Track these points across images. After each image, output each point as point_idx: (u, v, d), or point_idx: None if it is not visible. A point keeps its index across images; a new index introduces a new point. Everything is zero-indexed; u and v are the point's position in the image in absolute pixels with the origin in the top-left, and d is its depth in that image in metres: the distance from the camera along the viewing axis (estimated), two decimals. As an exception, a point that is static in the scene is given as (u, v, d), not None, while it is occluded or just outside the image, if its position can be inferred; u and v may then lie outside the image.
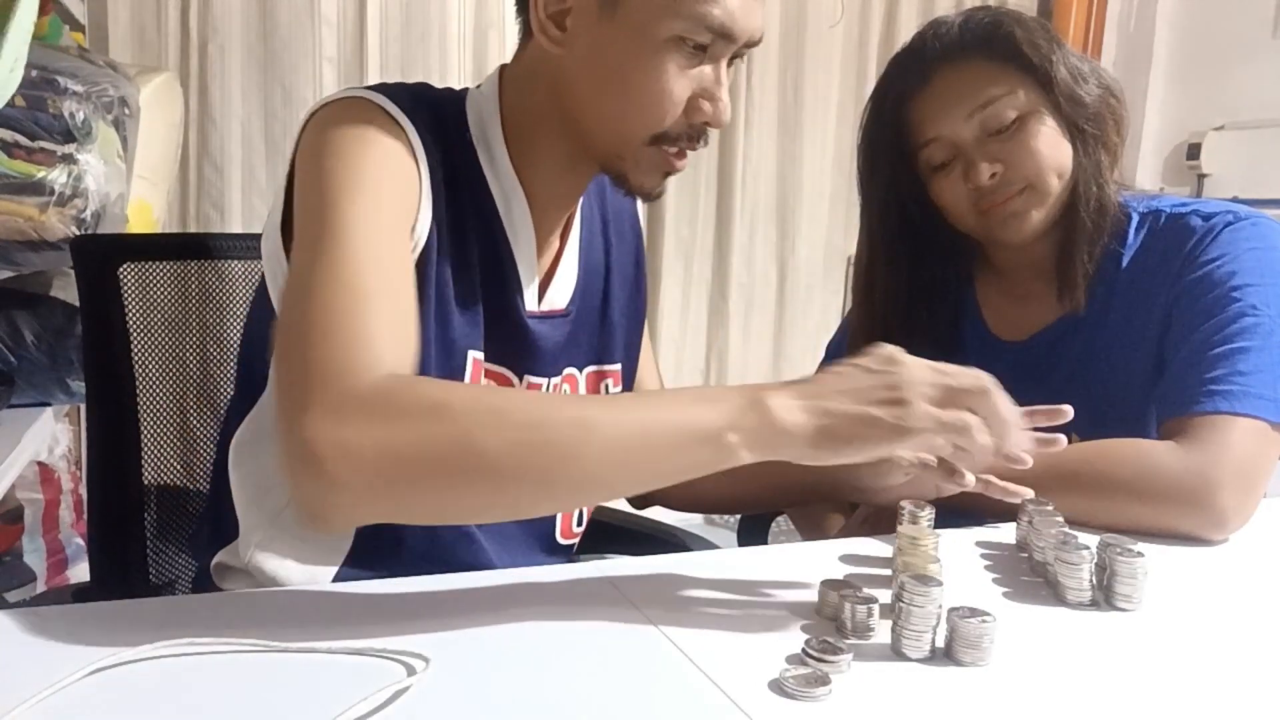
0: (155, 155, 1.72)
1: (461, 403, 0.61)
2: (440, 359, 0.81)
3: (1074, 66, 1.00)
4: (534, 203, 0.87)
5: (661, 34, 0.76)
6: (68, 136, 1.29)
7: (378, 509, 0.62)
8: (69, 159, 1.29)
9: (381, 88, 0.82)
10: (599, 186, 0.98)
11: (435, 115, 0.83)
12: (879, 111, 1.06)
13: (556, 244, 0.93)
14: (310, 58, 2.51)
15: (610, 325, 0.97)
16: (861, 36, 3.12)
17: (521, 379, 0.89)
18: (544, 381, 0.90)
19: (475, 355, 0.84)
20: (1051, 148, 0.99)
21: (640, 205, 1.03)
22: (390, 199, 0.75)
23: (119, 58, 2.03)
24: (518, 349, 0.88)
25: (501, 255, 0.86)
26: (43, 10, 1.57)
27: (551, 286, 0.91)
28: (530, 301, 0.88)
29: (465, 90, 0.89)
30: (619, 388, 0.99)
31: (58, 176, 1.28)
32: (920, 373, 0.64)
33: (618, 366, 0.99)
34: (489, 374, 0.86)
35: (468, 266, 0.83)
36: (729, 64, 0.82)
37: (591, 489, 0.65)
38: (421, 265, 0.79)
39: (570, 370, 0.94)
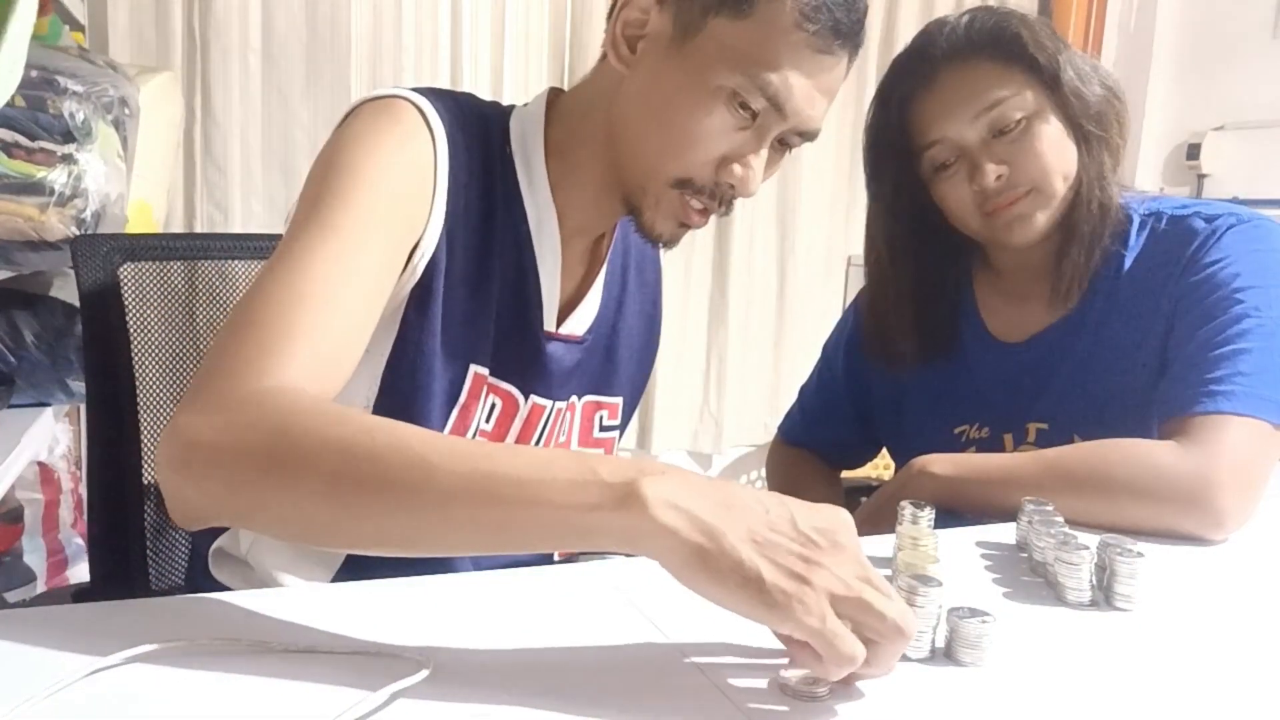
0: (155, 155, 1.72)
1: (303, 424, 0.59)
2: (442, 368, 0.82)
3: (1079, 67, 1.00)
4: (565, 226, 0.88)
5: (716, 81, 0.77)
6: (68, 136, 1.29)
7: (219, 511, 0.62)
8: (69, 159, 1.29)
9: (428, 91, 0.82)
10: (626, 229, 0.97)
11: (479, 125, 0.84)
12: (883, 112, 1.06)
13: (582, 271, 0.93)
14: (310, 58, 2.51)
15: (615, 358, 0.98)
16: (861, 37, 3.11)
17: (528, 398, 0.89)
18: (549, 404, 0.90)
19: (478, 369, 0.85)
20: (1057, 150, 0.99)
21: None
22: (385, 214, 0.75)
23: (119, 58, 2.03)
24: (529, 368, 0.88)
25: (526, 273, 0.86)
26: (43, 10, 1.57)
27: (575, 313, 0.91)
28: (549, 323, 0.88)
29: (511, 106, 0.90)
30: (615, 420, 1.00)
31: (58, 177, 1.28)
32: (848, 568, 0.52)
33: (617, 400, 0.99)
34: (493, 389, 0.87)
35: (486, 280, 0.84)
36: (780, 149, 0.82)
37: (419, 542, 0.58)
38: (427, 277, 0.80)
39: (573, 398, 0.94)
